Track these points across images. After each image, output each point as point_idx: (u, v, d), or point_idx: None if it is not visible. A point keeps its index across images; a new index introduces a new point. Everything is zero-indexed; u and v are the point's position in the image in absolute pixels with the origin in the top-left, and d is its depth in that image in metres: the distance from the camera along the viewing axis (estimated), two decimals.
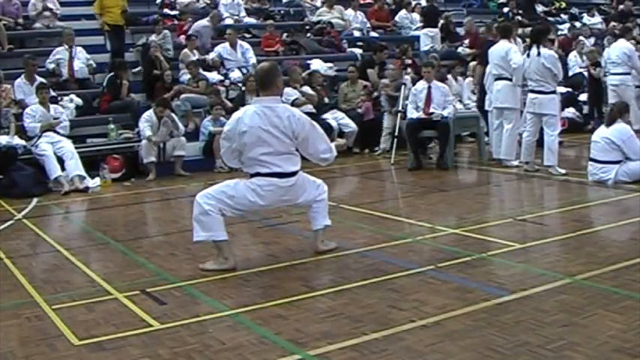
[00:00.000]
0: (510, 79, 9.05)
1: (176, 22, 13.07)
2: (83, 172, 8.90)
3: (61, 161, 8.86)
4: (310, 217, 5.49)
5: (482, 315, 3.95)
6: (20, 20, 12.08)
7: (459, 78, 12.01)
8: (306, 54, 12.97)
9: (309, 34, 13.81)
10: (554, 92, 8.43)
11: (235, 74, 11.78)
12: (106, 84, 10.65)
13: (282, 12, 14.88)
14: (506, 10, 16.70)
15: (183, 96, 10.64)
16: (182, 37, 12.35)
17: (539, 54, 8.31)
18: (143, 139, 9.45)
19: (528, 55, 8.45)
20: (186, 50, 11.68)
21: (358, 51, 13.60)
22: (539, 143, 8.63)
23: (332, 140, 10.71)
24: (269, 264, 5.21)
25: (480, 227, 6.03)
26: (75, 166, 8.87)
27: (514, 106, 9.14)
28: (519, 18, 15.79)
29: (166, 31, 12.08)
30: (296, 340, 3.71)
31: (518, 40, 10.35)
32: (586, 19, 17.36)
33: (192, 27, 12.32)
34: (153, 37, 11.81)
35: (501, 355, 3.42)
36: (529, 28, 12.63)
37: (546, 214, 6.59)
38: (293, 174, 5.12)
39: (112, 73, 10.68)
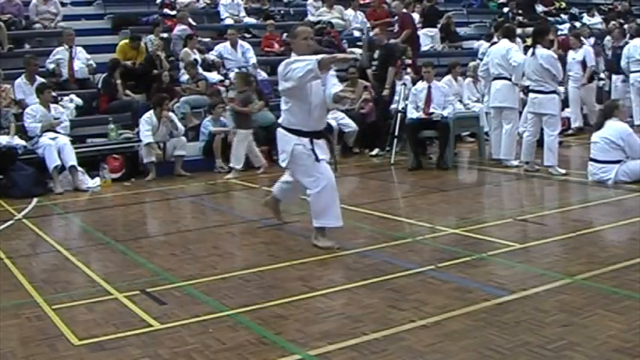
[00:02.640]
0: (510, 79, 9.06)
1: (176, 21, 13.05)
2: (75, 163, 8.86)
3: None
4: None
5: (482, 315, 3.95)
6: (21, 20, 12.08)
7: (459, 78, 12.00)
8: None
9: None
10: (554, 92, 8.43)
11: None
12: (102, 84, 10.67)
13: (282, 12, 14.88)
14: (506, 10, 16.69)
15: (183, 98, 10.64)
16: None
17: (533, 54, 8.33)
18: (143, 144, 9.45)
19: (532, 54, 8.45)
20: (186, 49, 11.67)
21: (358, 51, 13.58)
22: (539, 143, 8.63)
23: (331, 141, 10.60)
24: (269, 264, 5.21)
25: (480, 227, 6.03)
26: (69, 157, 8.84)
27: (513, 106, 9.16)
28: (520, 18, 15.77)
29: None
30: (296, 340, 3.71)
31: (518, 40, 10.35)
32: (586, 19, 17.36)
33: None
34: (151, 37, 11.80)
35: (501, 355, 3.42)
36: (529, 29, 12.65)
37: (546, 214, 6.58)
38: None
39: (106, 74, 10.70)
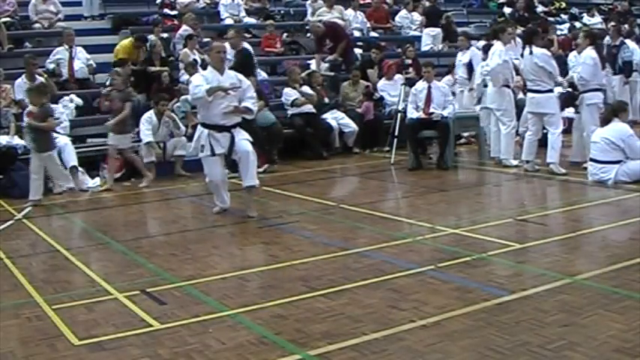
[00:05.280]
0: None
1: (176, 22, 13.05)
2: (76, 163, 8.83)
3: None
4: None
5: (482, 315, 3.95)
6: (17, 19, 12.07)
7: None
8: (306, 54, 12.97)
9: (309, 34, 13.81)
10: (551, 90, 8.46)
11: None
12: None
13: (282, 12, 14.88)
14: (509, 10, 16.65)
15: (183, 97, 10.62)
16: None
17: (531, 53, 8.38)
18: (143, 142, 9.43)
19: (522, 55, 8.57)
20: (186, 50, 11.65)
21: (358, 51, 13.59)
22: (542, 143, 8.64)
23: (331, 142, 10.66)
24: (269, 264, 5.21)
25: (480, 227, 6.03)
26: (70, 158, 8.81)
27: (505, 108, 9.20)
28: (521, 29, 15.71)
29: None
30: (296, 340, 3.71)
31: (518, 40, 10.35)
32: (586, 19, 17.35)
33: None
34: (151, 37, 11.79)
35: (501, 355, 3.42)
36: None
37: (546, 214, 6.59)
38: None
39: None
